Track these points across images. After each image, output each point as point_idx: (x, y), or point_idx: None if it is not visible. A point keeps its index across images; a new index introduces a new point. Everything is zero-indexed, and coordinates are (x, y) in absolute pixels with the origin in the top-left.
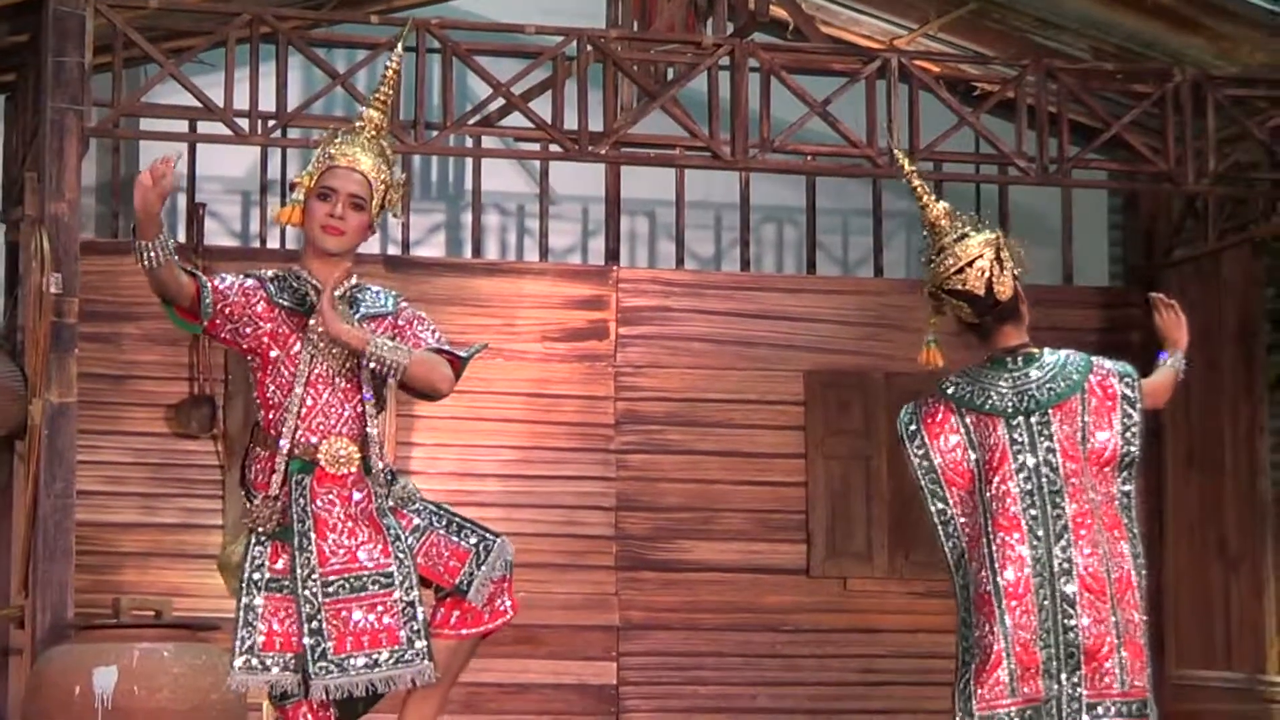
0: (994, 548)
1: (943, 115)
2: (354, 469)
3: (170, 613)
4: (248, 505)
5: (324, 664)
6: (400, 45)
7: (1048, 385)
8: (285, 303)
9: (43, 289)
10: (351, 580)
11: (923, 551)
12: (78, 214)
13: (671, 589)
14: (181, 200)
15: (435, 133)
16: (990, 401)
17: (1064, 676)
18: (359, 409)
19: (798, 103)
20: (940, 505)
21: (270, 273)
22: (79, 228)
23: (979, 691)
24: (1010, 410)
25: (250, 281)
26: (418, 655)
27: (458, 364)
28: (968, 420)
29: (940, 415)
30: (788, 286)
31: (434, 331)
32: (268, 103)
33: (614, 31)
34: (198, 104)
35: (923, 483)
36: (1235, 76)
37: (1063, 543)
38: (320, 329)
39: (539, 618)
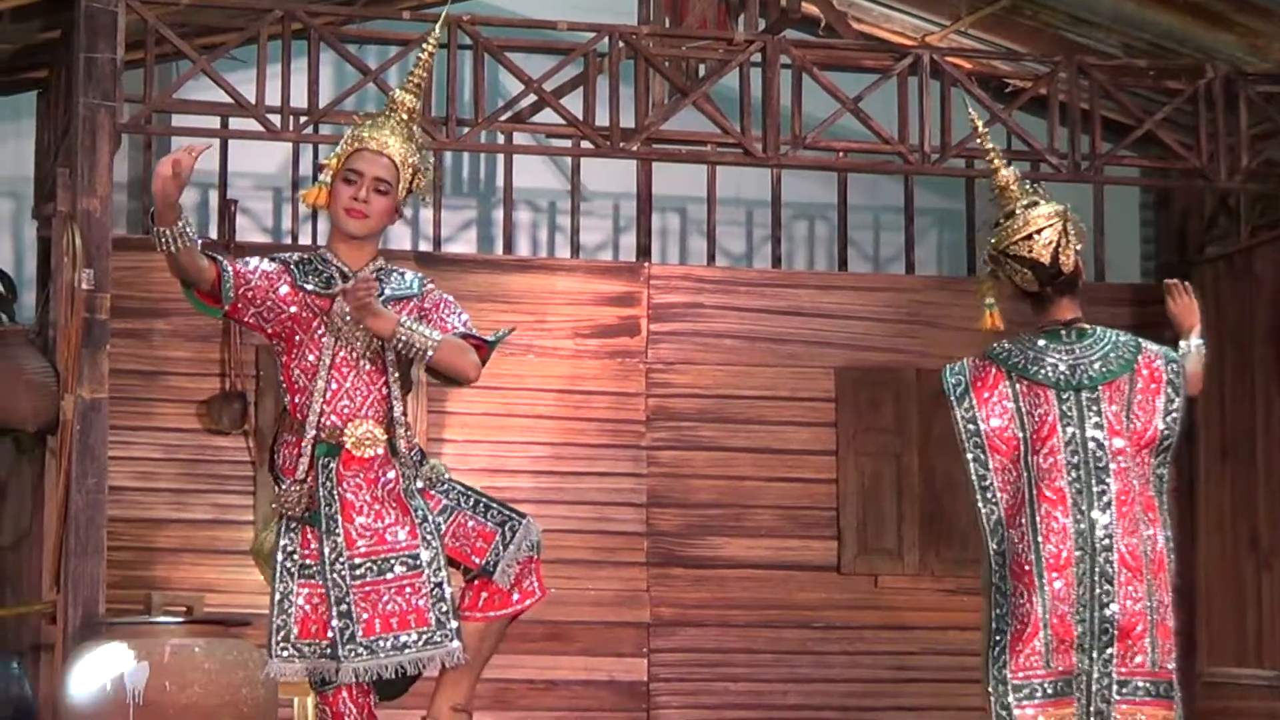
0: (1038, 518)
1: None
2: (380, 451)
3: (202, 608)
4: (276, 490)
5: (353, 646)
6: (435, 30)
7: (1099, 362)
8: (310, 286)
9: (74, 285)
10: (379, 562)
11: (954, 548)
12: (109, 210)
13: (702, 585)
14: (213, 196)
15: (467, 129)
16: (1043, 372)
17: (1096, 653)
18: (384, 391)
19: (829, 99)
20: (981, 470)
21: (295, 256)
22: (110, 224)
23: (1015, 660)
24: (1061, 383)
25: (274, 265)
26: (446, 636)
27: (485, 350)
28: (1018, 388)
29: (991, 380)
30: (819, 283)
31: (461, 315)
32: (300, 99)
33: (645, 28)
34: (230, 100)
35: (966, 445)
36: (1267, 73)
37: (1105, 519)
38: (347, 310)
39: (570, 614)
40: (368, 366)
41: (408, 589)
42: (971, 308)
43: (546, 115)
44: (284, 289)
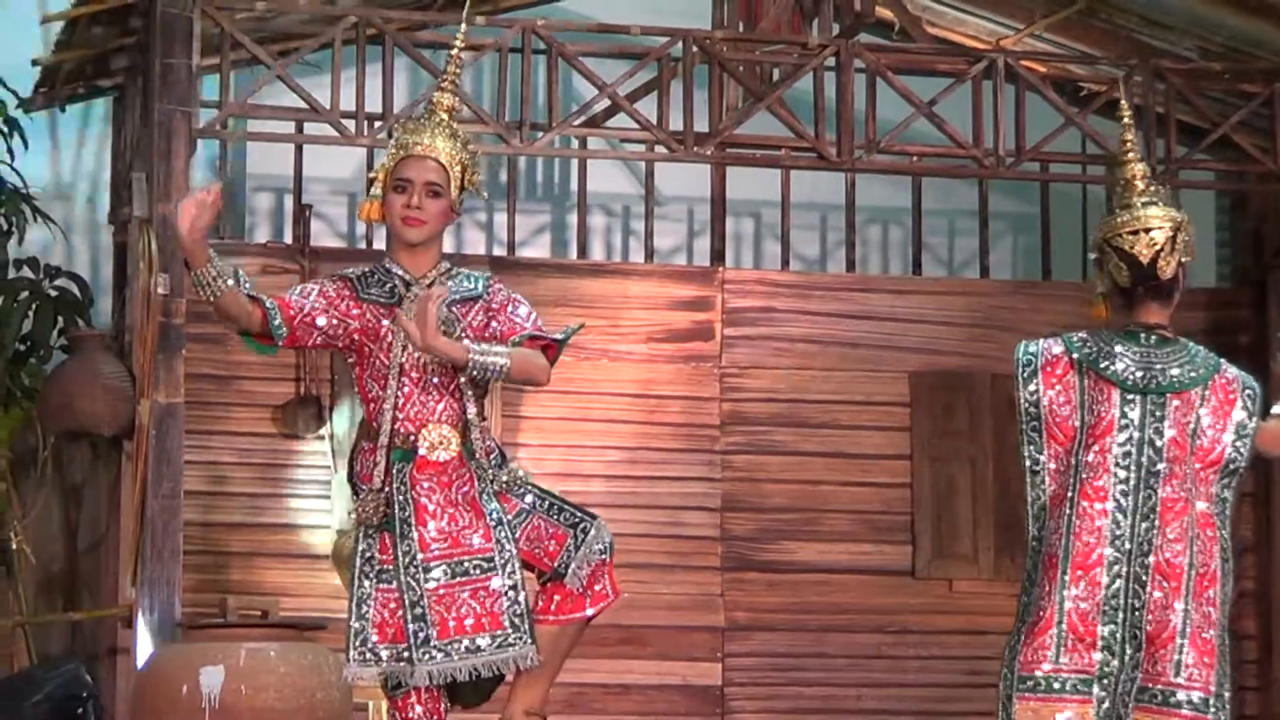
0: (1074, 514)
1: (1049, 115)
2: (455, 454)
3: (277, 612)
4: (355, 499)
5: (427, 649)
6: (463, 28)
7: (1173, 370)
8: (373, 297)
9: (150, 290)
10: (453, 565)
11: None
12: None
13: (776, 590)
14: (288, 201)
15: (541, 134)
16: (1113, 368)
17: (1125, 656)
18: (457, 395)
19: (903, 103)
20: (1035, 454)
21: (358, 270)
22: None
23: (1025, 652)
24: (1129, 383)
25: (335, 283)
26: (521, 640)
27: (554, 348)
28: (1085, 380)
29: (1061, 368)
30: (893, 288)
31: (530, 314)
32: (374, 104)
33: (719, 32)
34: (304, 105)
35: (1024, 426)
36: None
37: (1147, 524)
38: (416, 344)
39: (644, 618)
40: (438, 371)
41: (481, 592)
42: (1046, 312)
43: (621, 120)
44: (347, 304)
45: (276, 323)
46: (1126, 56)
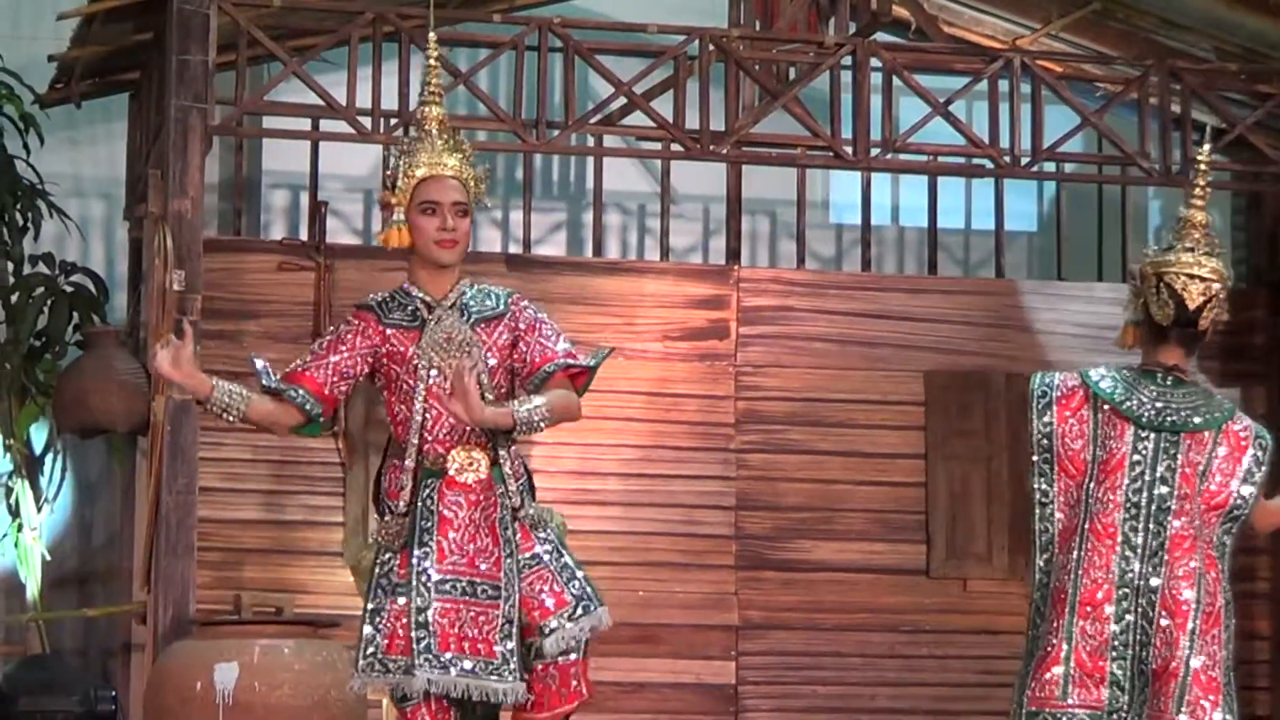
0: (1084, 550)
1: (1065, 115)
2: (484, 475)
3: (291, 609)
4: (380, 520)
5: (428, 658)
6: (432, 37)
7: (1188, 410)
8: (396, 321)
9: (166, 286)
10: (464, 584)
11: None
12: (201, 212)
13: (791, 589)
14: (304, 198)
15: (557, 132)
16: (1129, 404)
17: (1135, 694)
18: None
19: (920, 102)
20: (1044, 485)
21: (378, 297)
22: (202, 225)
23: (1033, 686)
24: (1144, 419)
25: (352, 322)
26: (511, 673)
27: (585, 375)
28: (1100, 415)
29: (1076, 400)
30: (909, 287)
31: (559, 337)
32: (390, 101)
33: (736, 31)
34: (320, 102)
35: (1035, 457)
36: None
37: (1155, 560)
38: (463, 421)
39: (658, 616)
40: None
41: (482, 617)
42: (1061, 312)
43: (637, 118)
44: (370, 334)
45: (310, 404)
46: (1143, 57)
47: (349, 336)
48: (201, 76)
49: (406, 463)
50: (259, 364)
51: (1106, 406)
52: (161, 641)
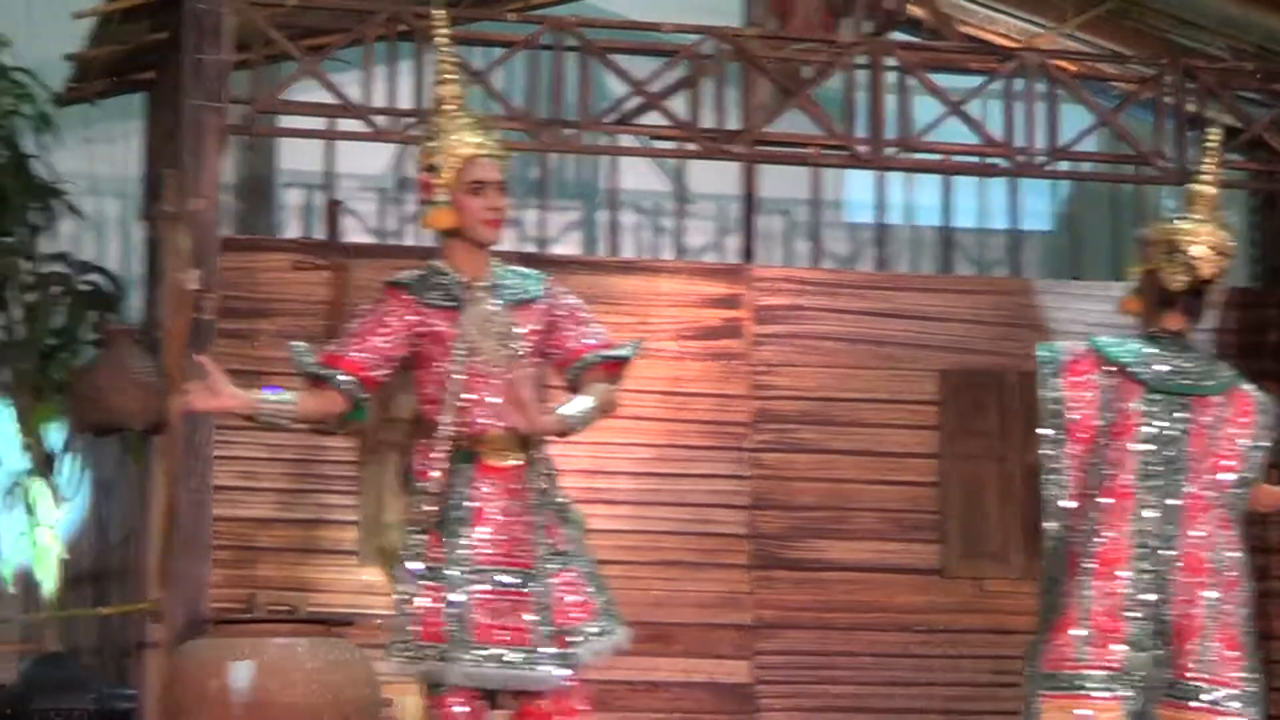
0: (1097, 512)
1: (1080, 114)
2: (519, 460)
3: (305, 608)
4: (409, 499)
5: (463, 649)
6: (437, 14)
7: (1196, 373)
8: (434, 301)
9: (181, 285)
10: (499, 573)
11: None
12: (217, 211)
13: (805, 588)
14: (319, 197)
15: (572, 131)
16: (1139, 368)
17: (1155, 651)
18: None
19: (935, 102)
20: (1053, 451)
21: (410, 275)
22: (218, 224)
23: (1048, 649)
24: (1153, 381)
25: (389, 301)
26: (549, 659)
27: (619, 368)
28: (1108, 380)
29: (1084, 366)
30: (922, 286)
31: (596, 327)
32: (405, 100)
33: (751, 30)
34: (336, 101)
35: (1046, 424)
36: None
37: (1172, 521)
38: (522, 430)
39: (671, 615)
40: (500, 375)
41: (516, 606)
42: (1075, 311)
43: (652, 117)
44: (408, 314)
45: (358, 396)
46: (1158, 56)
47: (388, 318)
48: (217, 76)
49: (439, 444)
50: (299, 348)
51: (1116, 370)
52: (176, 640)
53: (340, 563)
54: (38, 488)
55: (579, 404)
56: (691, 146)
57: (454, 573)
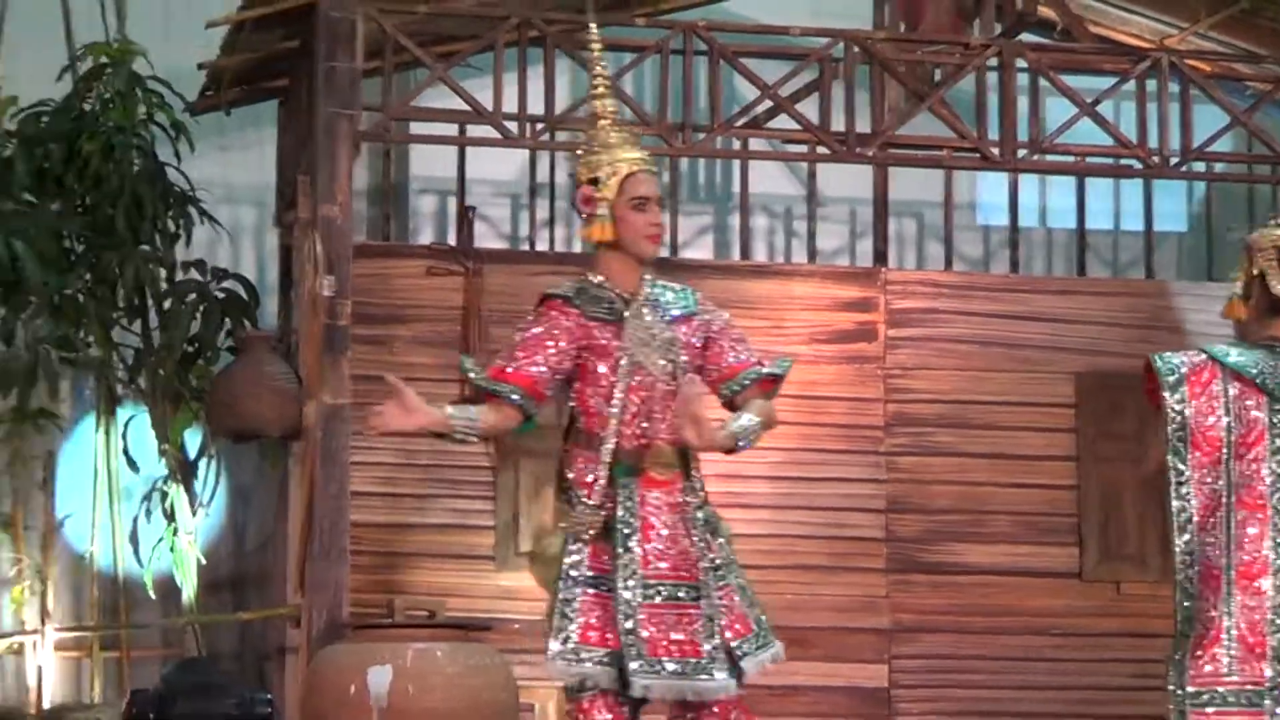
0: (1233, 524)
1: (1214, 115)
2: (677, 472)
3: (443, 613)
4: (568, 509)
5: (640, 663)
6: (593, 30)
7: None
8: (597, 314)
9: (316, 292)
10: (667, 587)
11: None
12: (350, 217)
13: (942, 592)
14: (451, 203)
15: (702, 135)
16: (1262, 378)
17: None
18: (664, 417)
19: (1067, 103)
20: (1180, 464)
21: (570, 288)
22: (351, 230)
23: (1194, 666)
24: (1277, 390)
25: (553, 315)
26: (720, 668)
27: (775, 383)
28: (1231, 390)
29: (1206, 376)
30: (1057, 288)
31: (749, 346)
32: (536, 106)
33: (881, 33)
34: (467, 107)
35: (1170, 435)
36: None
37: None
38: (695, 446)
39: (808, 620)
40: (663, 389)
41: (685, 619)
42: (1210, 313)
43: (782, 121)
44: (574, 327)
45: (530, 410)
46: None
47: (556, 332)
48: (349, 83)
49: (602, 457)
50: (469, 363)
51: (1239, 380)
52: (315, 645)
53: (477, 568)
54: (176, 494)
55: (745, 420)
56: (822, 150)
57: (623, 584)
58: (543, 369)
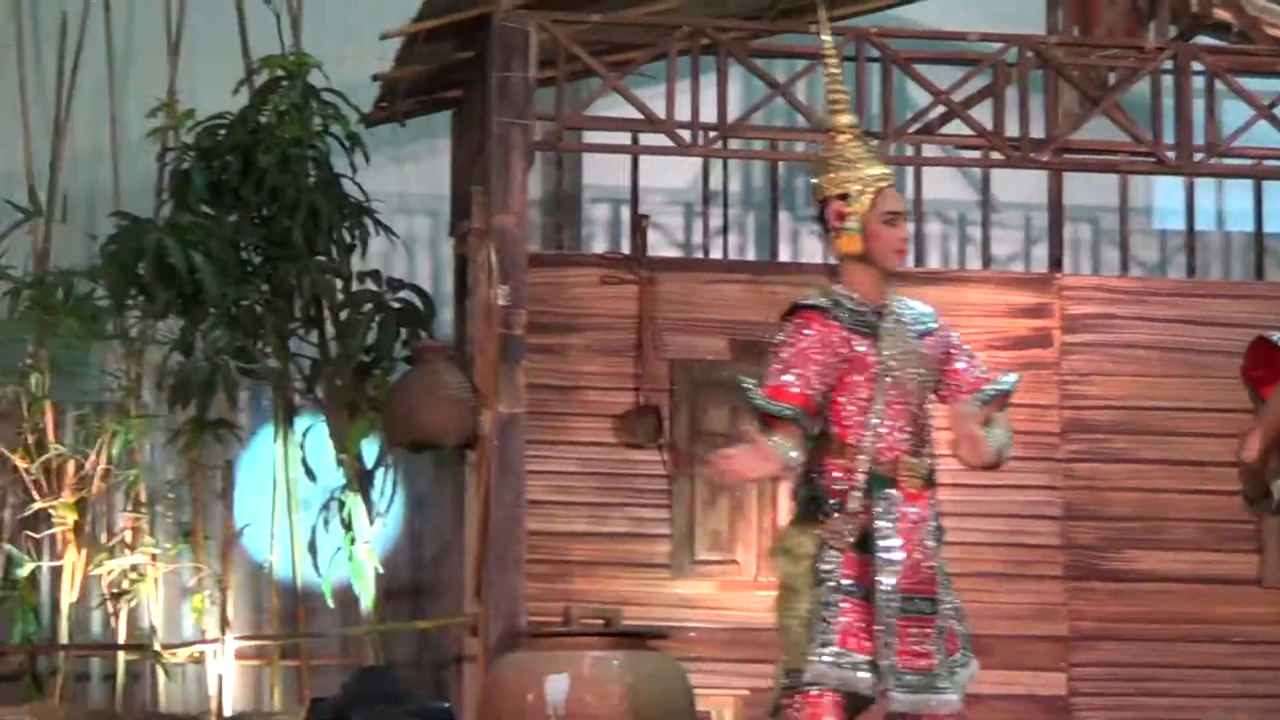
0: None
1: None
2: (924, 486)
3: (620, 621)
4: (818, 516)
5: (894, 676)
6: (826, 39)
7: None
8: (854, 326)
9: (491, 301)
10: (916, 600)
11: None
12: (524, 227)
13: (1121, 599)
14: (624, 212)
15: (876, 141)
16: None
17: None
18: (923, 426)
19: (1243, 106)
20: None
21: (825, 300)
22: (525, 240)
23: None
24: None
25: (815, 327)
26: (949, 686)
27: (1005, 399)
28: None
29: None
30: (1234, 293)
31: (977, 359)
32: (709, 114)
33: (1055, 37)
34: (640, 116)
35: None
36: None
37: None
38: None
39: (986, 627)
40: (914, 403)
41: (922, 631)
42: None
43: (956, 126)
44: (837, 341)
45: (808, 428)
46: None
47: (821, 345)
48: (523, 93)
49: (858, 467)
50: (748, 386)
51: None
52: (493, 654)
53: (653, 576)
54: (353, 503)
55: (1003, 437)
56: (996, 155)
57: (881, 594)
58: (814, 385)
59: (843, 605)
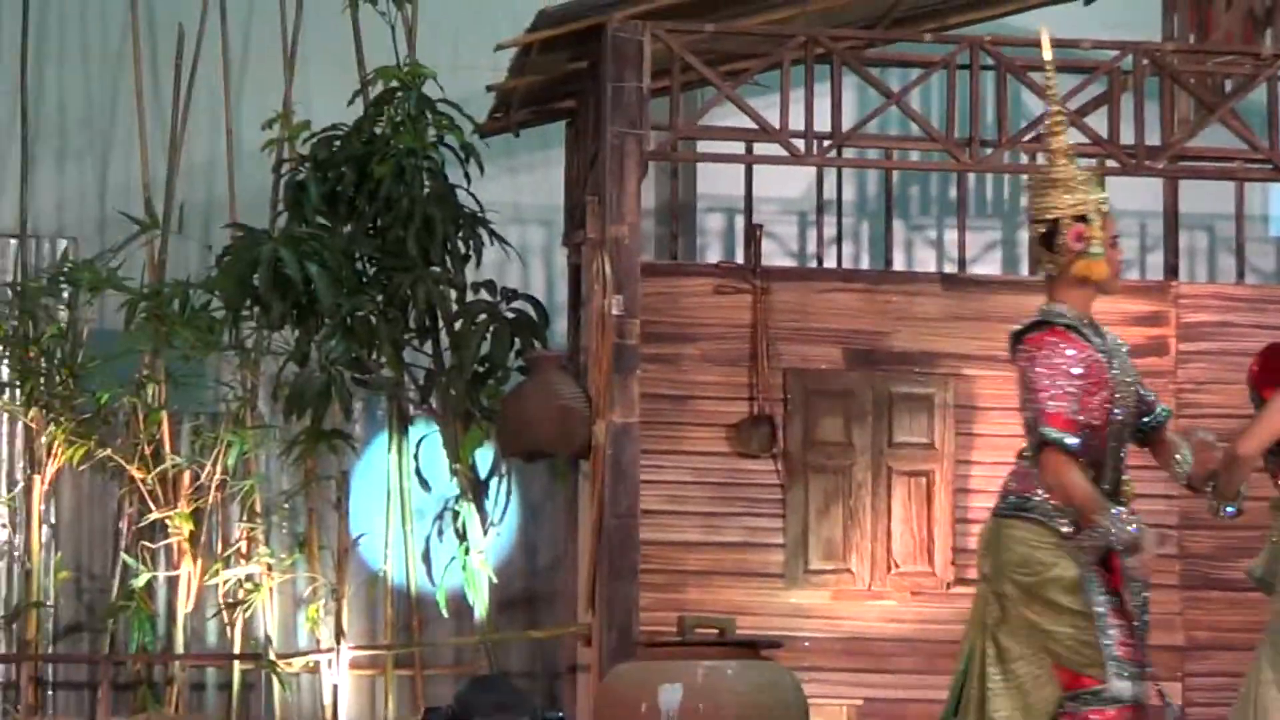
0: None
1: None
2: (1132, 498)
3: (733, 631)
4: (1077, 535)
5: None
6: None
7: None
8: (1098, 345)
9: (605, 311)
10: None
11: None
12: (638, 237)
13: (1238, 609)
14: (739, 221)
15: (990, 150)
16: None
17: None
18: (1127, 449)
19: None
20: None
21: (1066, 320)
22: (639, 250)
23: None
24: None
25: (1082, 349)
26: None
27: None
28: None
29: None
30: None
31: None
32: (823, 123)
33: (1170, 44)
34: (754, 126)
35: None
36: None
37: None
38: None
39: None
40: (1130, 424)
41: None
42: None
43: (1071, 134)
44: (1098, 366)
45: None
46: None
47: (1090, 369)
48: (637, 103)
49: (1102, 481)
50: (1065, 437)
51: None
52: (606, 663)
53: (767, 586)
54: (468, 513)
55: (1189, 457)
56: (1112, 163)
57: (1134, 601)
58: (1081, 416)
59: (1112, 616)
